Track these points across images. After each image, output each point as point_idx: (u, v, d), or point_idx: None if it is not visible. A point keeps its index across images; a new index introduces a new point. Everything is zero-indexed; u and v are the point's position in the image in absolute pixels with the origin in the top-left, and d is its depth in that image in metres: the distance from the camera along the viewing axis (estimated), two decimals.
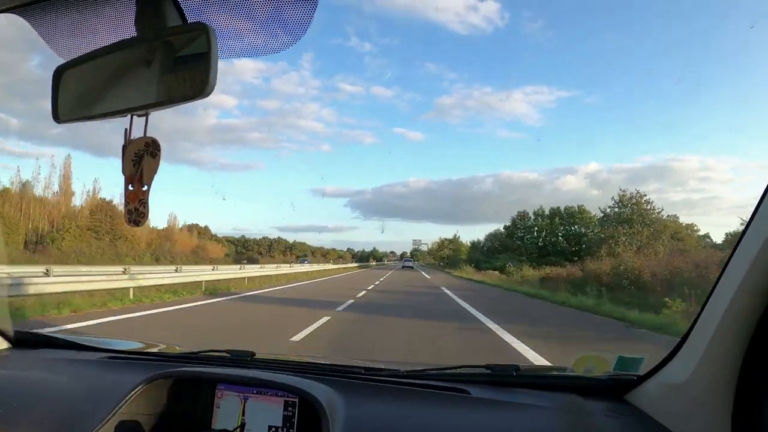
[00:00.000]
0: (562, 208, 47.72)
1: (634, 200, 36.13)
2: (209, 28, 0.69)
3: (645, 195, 36.12)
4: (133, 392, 1.04)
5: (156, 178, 0.78)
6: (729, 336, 0.79)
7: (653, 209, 35.31)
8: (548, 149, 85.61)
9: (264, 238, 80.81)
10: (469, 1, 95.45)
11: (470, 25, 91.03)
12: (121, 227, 33.65)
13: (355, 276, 31.00)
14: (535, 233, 48.16)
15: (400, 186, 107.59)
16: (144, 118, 0.77)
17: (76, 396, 1.12)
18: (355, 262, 79.77)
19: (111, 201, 35.45)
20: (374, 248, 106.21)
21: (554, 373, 1.26)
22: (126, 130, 0.77)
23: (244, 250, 69.80)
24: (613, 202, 37.77)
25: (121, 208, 0.82)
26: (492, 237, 52.72)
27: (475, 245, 58.11)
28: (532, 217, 49.84)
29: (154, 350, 1.52)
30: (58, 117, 0.80)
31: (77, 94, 0.80)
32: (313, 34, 0.73)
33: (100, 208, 34.91)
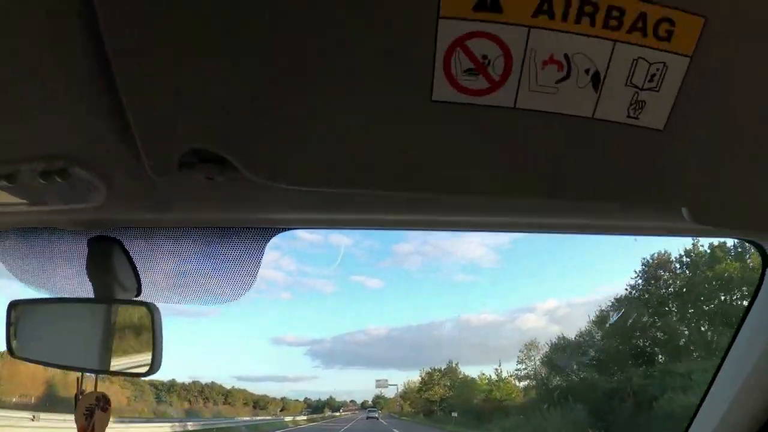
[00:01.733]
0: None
1: None
2: (154, 308, 0.74)
3: None
4: None
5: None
6: None
7: None
8: (506, 289, 78.48)
9: (194, 382, 60.34)
10: None
11: None
12: None
13: None
14: (696, 299, 17.04)
15: (360, 334, 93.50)
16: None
17: None
18: (309, 412, 59.21)
19: None
20: (330, 396, 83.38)
21: None
22: (78, 378, 0.81)
23: (167, 396, 51.32)
24: None
25: None
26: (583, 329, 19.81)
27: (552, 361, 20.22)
28: (678, 265, 18.21)
29: None
30: (13, 352, 0.84)
31: (31, 336, 0.84)
32: None
33: None
